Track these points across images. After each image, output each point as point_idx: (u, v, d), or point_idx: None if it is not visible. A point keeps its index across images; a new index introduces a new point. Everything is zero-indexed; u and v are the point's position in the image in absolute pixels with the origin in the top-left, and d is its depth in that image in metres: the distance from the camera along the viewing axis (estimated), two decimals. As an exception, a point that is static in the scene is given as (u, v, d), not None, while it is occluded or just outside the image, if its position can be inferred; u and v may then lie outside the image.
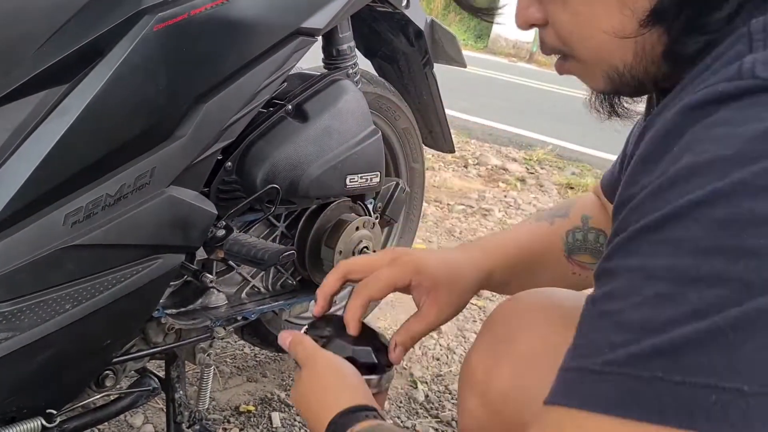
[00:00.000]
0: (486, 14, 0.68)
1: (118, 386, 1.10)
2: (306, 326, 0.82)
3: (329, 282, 0.82)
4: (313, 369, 0.72)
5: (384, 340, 0.81)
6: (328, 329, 0.79)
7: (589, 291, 0.58)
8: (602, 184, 0.88)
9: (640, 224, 0.44)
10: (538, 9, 0.59)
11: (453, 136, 1.85)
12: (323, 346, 0.76)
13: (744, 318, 0.38)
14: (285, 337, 0.79)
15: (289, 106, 1.19)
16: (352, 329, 0.77)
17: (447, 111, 1.78)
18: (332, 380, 0.70)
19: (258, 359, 1.69)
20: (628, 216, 0.46)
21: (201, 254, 1.15)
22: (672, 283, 0.41)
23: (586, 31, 0.56)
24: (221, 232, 1.02)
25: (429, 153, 3.59)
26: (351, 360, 0.74)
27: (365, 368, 0.74)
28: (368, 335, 0.80)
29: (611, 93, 0.61)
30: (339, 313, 0.84)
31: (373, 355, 0.76)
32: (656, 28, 0.52)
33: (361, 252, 1.37)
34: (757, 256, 0.39)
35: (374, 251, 1.40)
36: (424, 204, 2.45)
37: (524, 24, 0.61)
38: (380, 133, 1.31)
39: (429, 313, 0.79)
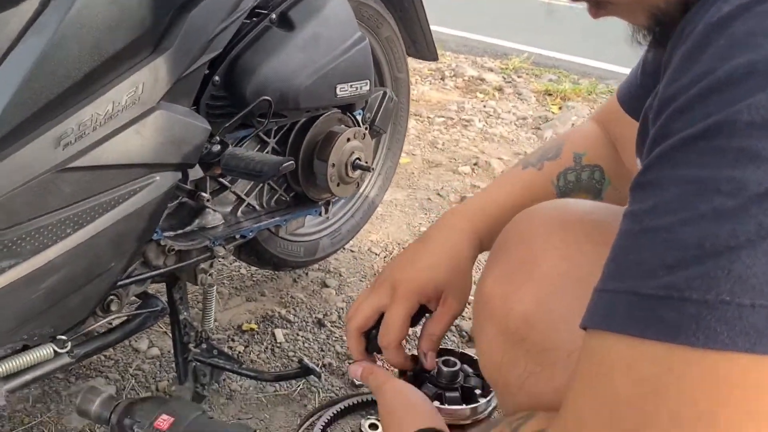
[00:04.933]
0: None
1: (122, 310, 1.10)
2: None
3: (354, 346, 0.85)
4: (383, 398, 0.77)
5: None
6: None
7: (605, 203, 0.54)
8: (620, 96, 0.84)
9: (689, 131, 0.40)
10: None
11: (429, 47, 1.81)
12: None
13: None
14: (355, 370, 0.84)
15: (273, 15, 1.14)
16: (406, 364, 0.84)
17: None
18: (400, 408, 0.75)
19: (255, 279, 1.69)
20: (672, 119, 0.42)
21: (194, 174, 1.13)
22: (731, 197, 0.37)
23: None
24: (216, 148, 1.00)
25: (405, 67, 3.52)
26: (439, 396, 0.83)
27: (455, 401, 0.83)
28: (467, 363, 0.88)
29: (655, 26, 0.56)
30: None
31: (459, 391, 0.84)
32: None
33: (353, 163, 1.36)
34: None
35: (366, 162, 1.39)
36: (406, 118, 2.44)
37: None
38: (367, 39, 1.27)
39: (444, 313, 0.82)
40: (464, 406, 0.82)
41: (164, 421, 0.78)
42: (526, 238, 0.63)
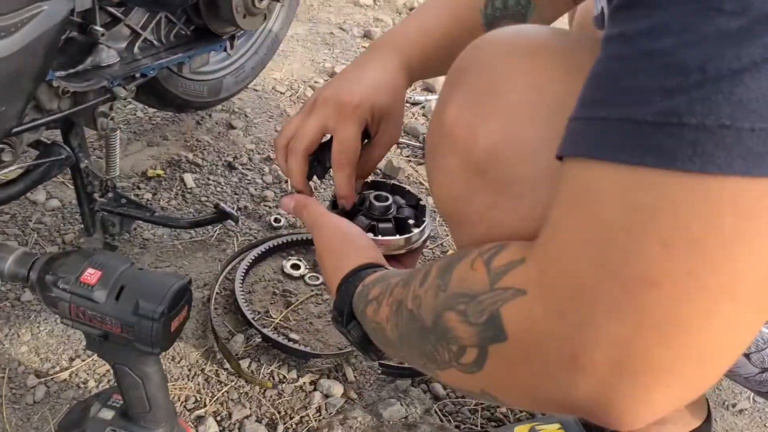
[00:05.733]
0: None
1: (17, 162, 0.99)
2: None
3: (298, 171, 0.79)
4: (320, 234, 0.75)
5: (413, 197, 0.88)
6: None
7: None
8: None
9: None
10: None
11: None
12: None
13: None
14: (287, 202, 0.81)
15: None
16: (350, 202, 0.81)
17: None
18: (338, 244, 0.73)
19: (154, 122, 1.58)
20: None
21: (82, 4, 1.00)
22: (735, 17, 0.35)
23: None
24: (111, -31, 0.87)
25: None
26: (372, 228, 0.80)
27: (389, 232, 0.81)
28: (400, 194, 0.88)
29: None
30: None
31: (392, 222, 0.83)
32: None
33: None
34: None
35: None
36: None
37: None
38: None
39: (384, 140, 0.81)
40: (398, 237, 0.82)
41: (91, 275, 0.73)
42: (489, 65, 0.57)
